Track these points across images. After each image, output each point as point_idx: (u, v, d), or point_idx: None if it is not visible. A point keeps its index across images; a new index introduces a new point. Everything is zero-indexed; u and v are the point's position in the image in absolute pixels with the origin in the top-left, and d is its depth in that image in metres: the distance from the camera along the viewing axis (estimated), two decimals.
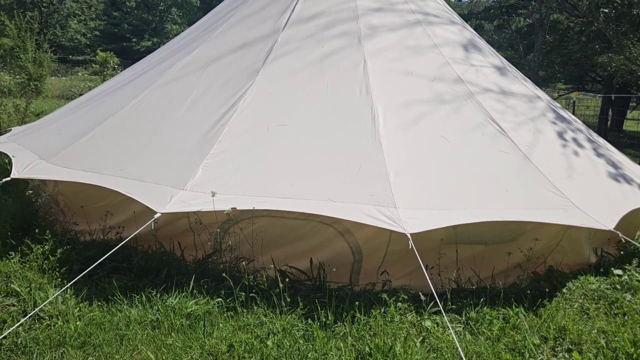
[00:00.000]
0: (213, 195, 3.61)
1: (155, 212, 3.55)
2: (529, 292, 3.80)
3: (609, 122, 18.15)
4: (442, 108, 4.67)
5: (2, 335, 2.95)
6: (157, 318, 3.31)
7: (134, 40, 44.72)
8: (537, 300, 3.80)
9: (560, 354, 3.21)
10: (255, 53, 5.07)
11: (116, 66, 24.85)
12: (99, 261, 3.25)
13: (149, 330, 3.20)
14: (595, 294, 4.06)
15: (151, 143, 4.46)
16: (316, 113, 4.47)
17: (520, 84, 5.62)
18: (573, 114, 12.48)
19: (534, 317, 3.64)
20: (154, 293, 3.54)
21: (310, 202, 3.75)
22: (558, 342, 3.39)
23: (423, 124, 4.48)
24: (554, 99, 19.57)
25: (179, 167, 4.08)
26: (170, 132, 4.51)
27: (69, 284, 3.28)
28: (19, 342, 3.02)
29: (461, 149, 4.38)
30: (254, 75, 4.79)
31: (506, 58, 6.47)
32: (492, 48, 6.23)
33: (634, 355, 3.18)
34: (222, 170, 4.00)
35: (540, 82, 18.96)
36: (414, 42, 5.24)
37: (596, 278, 4.30)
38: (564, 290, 4.06)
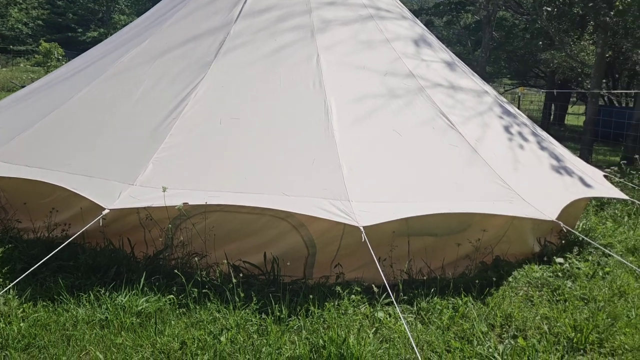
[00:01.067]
0: (164, 191, 3.54)
1: (104, 209, 3.45)
2: (477, 281, 3.93)
3: (551, 117, 18.92)
4: (394, 102, 4.74)
5: None
6: (106, 317, 3.22)
7: (80, 30, 42.99)
8: (484, 289, 3.93)
9: (507, 341, 3.34)
10: (206, 46, 4.98)
11: (60, 57, 23.83)
12: (43, 260, 3.13)
13: (97, 330, 3.11)
14: (539, 281, 4.24)
15: (99, 137, 4.31)
16: (269, 107, 4.45)
17: (469, 79, 5.77)
18: (518, 108, 12.92)
19: (482, 305, 3.77)
20: (103, 291, 3.44)
21: (264, 196, 3.73)
22: (504, 329, 3.52)
23: (375, 118, 4.53)
24: (501, 93, 20.24)
25: (128, 161, 3.97)
26: (120, 126, 4.38)
27: (11, 285, 3.15)
28: None
29: (412, 143, 4.46)
30: (205, 68, 4.71)
31: (455, 54, 6.62)
32: (441, 43, 6.35)
33: (575, 339, 3.34)
34: (173, 164, 3.93)
35: (487, 78, 19.53)
36: (367, 36, 5.28)
37: (540, 267, 4.48)
38: (510, 279, 4.21)
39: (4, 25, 36.87)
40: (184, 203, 3.54)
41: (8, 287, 3.21)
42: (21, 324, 3.08)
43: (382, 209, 3.73)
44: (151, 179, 3.77)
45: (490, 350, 3.19)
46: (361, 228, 3.42)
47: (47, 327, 3.09)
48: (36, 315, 3.19)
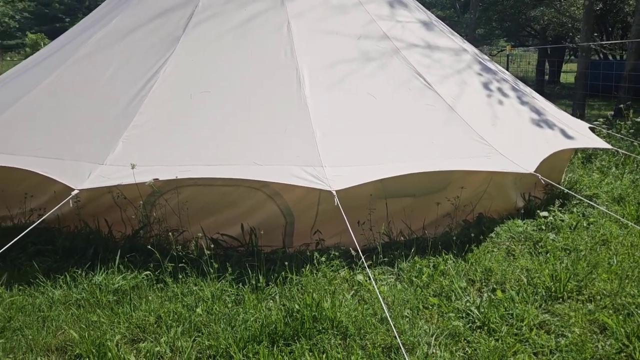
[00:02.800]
0: (133, 168, 3.50)
1: (73, 190, 3.42)
2: (455, 238, 3.91)
3: (546, 75, 18.69)
4: (368, 65, 4.66)
5: None
6: (83, 297, 3.22)
7: (67, 20, 42.46)
8: (465, 246, 3.91)
9: (485, 294, 3.33)
10: (175, 20, 4.88)
11: None
12: (12, 242, 3.11)
13: (73, 310, 3.11)
14: (522, 235, 4.22)
15: (69, 120, 4.26)
16: (240, 78, 4.38)
17: (447, 38, 5.66)
18: (507, 68, 12.76)
19: (462, 262, 3.75)
20: (80, 272, 3.44)
21: (237, 168, 3.70)
22: (484, 284, 3.51)
23: (349, 82, 4.46)
24: (493, 55, 19.99)
25: (98, 142, 3.93)
26: (89, 108, 4.32)
27: None
28: None
29: (388, 105, 4.40)
30: (174, 43, 4.62)
31: (445, 17, 6.50)
32: (419, 4, 6.22)
33: (553, 288, 3.33)
34: (143, 142, 3.88)
35: (479, 40, 19.27)
36: (338, 1, 5.17)
37: (524, 221, 4.46)
38: (492, 235, 4.20)
39: None
40: (154, 179, 3.50)
41: None
42: None
43: (355, 172, 3.69)
44: (121, 158, 3.73)
45: (468, 304, 3.19)
46: (334, 192, 3.39)
47: (22, 310, 3.10)
48: (12, 299, 3.20)
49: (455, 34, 6.17)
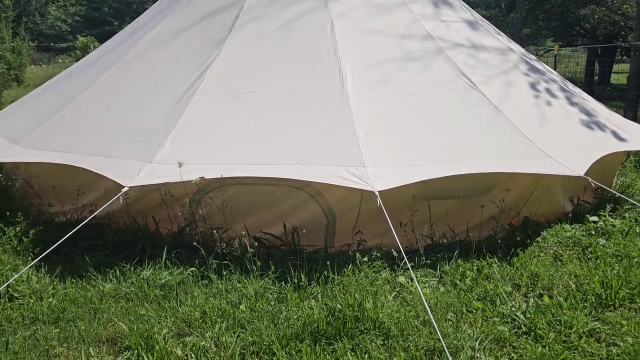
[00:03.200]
0: (180, 166, 3.59)
1: (123, 187, 3.53)
2: (500, 241, 3.83)
3: (596, 76, 18.05)
4: (412, 65, 4.63)
5: None
6: (131, 291, 3.32)
7: (116, 23, 43.81)
8: (510, 250, 3.83)
9: (531, 300, 3.25)
10: (221, 22, 4.98)
11: None
12: (66, 237, 3.25)
13: (122, 303, 3.22)
14: (570, 240, 4.10)
15: (119, 119, 4.41)
16: (284, 78, 4.43)
17: (493, 38, 5.55)
18: (555, 68, 12.38)
19: (507, 266, 3.67)
20: (128, 267, 3.55)
21: (279, 167, 3.74)
22: (530, 289, 3.43)
23: (392, 82, 4.44)
24: (540, 56, 19.43)
25: (147, 140, 4.04)
26: (139, 107, 4.46)
27: (36, 259, 3.29)
28: None
29: (431, 105, 4.35)
30: (220, 44, 4.71)
31: (490, 17, 6.39)
32: (464, 3, 6.13)
33: (603, 295, 3.22)
34: (190, 140, 3.97)
35: (524, 40, 18.80)
36: (382, 0, 5.15)
37: (572, 226, 4.33)
38: (539, 239, 4.09)
39: (44, 23, 38.06)
40: (200, 177, 3.58)
41: (33, 262, 3.35)
42: (51, 300, 3.22)
43: (398, 173, 3.67)
44: (169, 156, 3.83)
45: (514, 309, 3.12)
46: (376, 193, 3.38)
47: (75, 302, 3.22)
48: (65, 291, 3.33)
49: (501, 33, 6.05)
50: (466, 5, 6.04)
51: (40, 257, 3.14)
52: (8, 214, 4.09)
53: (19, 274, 3.23)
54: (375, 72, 4.47)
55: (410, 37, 4.88)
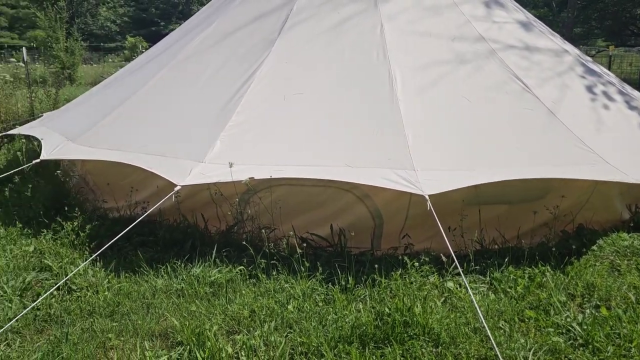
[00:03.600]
0: (230, 166, 3.64)
1: (176, 185, 3.61)
2: (554, 249, 3.71)
3: None
4: (463, 68, 4.55)
5: (33, 305, 3.09)
6: (182, 287, 3.39)
7: (162, 24, 45.11)
8: (564, 258, 3.71)
9: (588, 311, 3.14)
10: (271, 23, 5.03)
11: (145, 50, 25.17)
12: (122, 233, 3.35)
13: (174, 299, 3.29)
14: (628, 250, 3.93)
15: (171, 119, 4.52)
16: (333, 80, 4.43)
17: (547, 39, 5.40)
18: (609, 69, 11.93)
19: (561, 275, 3.56)
20: (179, 263, 3.63)
21: (328, 169, 3.74)
22: (585, 299, 3.31)
23: (443, 85, 4.38)
24: (592, 56, 18.77)
25: (198, 140, 4.12)
26: (190, 107, 4.56)
27: (95, 254, 3.40)
28: (52, 312, 3.16)
29: (483, 109, 4.27)
30: (270, 46, 4.76)
31: (539, 16, 6.22)
32: (517, 4, 5.98)
33: None
34: (240, 141, 4.03)
35: (576, 40, 18.20)
36: (432, 2, 5.09)
37: (629, 235, 4.16)
38: (594, 247, 3.94)
39: (94, 24, 39.45)
40: (250, 177, 3.62)
41: (92, 257, 3.48)
42: (106, 293, 3.33)
43: (448, 177, 3.61)
44: (219, 156, 3.89)
45: (569, 319, 3.02)
46: (426, 197, 3.34)
47: (129, 296, 3.32)
48: (120, 285, 3.44)
49: (556, 34, 5.87)
50: (519, 6, 5.89)
51: (99, 252, 3.24)
52: (66, 209, 4.25)
53: (78, 267, 3.35)
54: (425, 74, 4.42)
55: (461, 38, 4.80)
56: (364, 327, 2.89)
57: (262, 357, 2.74)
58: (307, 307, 3.15)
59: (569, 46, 5.67)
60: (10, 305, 3.25)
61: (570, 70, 5.01)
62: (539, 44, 5.20)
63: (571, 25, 13.61)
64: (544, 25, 5.93)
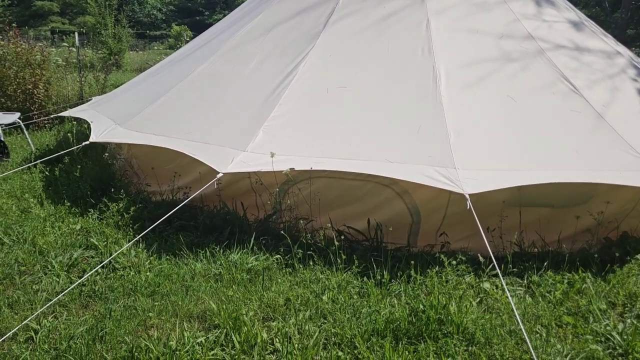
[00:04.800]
0: (272, 156, 3.70)
1: (218, 172, 3.69)
2: (596, 256, 3.63)
3: None
4: (509, 66, 4.47)
5: (79, 281, 3.23)
6: (220, 272, 3.48)
7: (207, 13, 45.76)
8: (606, 266, 3.62)
9: (629, 320, 3.06)
10: (316, 17, 5.06)
11: (189, 39, 25.61)
12: (165, 217, 3.45)
13: (212, 283, 3.38)
14: None
15: (215, 107, 4.61)
16: (376, 74, 4.43)
17: (599, 40, 5.24)
18: None
19: (602, 282, 3.48)
20: (218, 249, 3.71)
21: (368, 163, 3.75)
22: (627, 308, 3.23)
23: (488, 83, 4.32)
24: None
25: (241, 129, 4.20)
26: (234, 97, 4.64)
27: (139, 236, 3.51)
28: (96, 289, 3.29)
29: (528, 109, 4.19)
30: (314, 39, 4.79)
31: (590, 16, 6.04)
32: (568, 3, 5.82)
33: None
34: (282, 132, 4.08)
35: (628, 42, 17.53)
36: None
37: None
38: (638, 256, 3.83)
39: (141, 12, 40.35)
40: (290, 168, 3.67)
41: (136, 238, 3.60)
42: (148, 274, 3.44)
43: (490, 177, 3.57)
44: (261, 146, 3.95)
45: (609, 328, 2.95)
46: (466, 196, 3.31)
47: (169, 278, 3.42)
48: (160, 266, 3.54)
49: (608, 35, 5.70)
50: (571, 5, 5.74)
51: (143, 234, 3.35)
52: (112, 190, 4.40)
53: (122, 248, 3.48)
54: (470, 72, 4.36)
55: (509, 36, 4.71)
56: (398, 322, 2.90)
57: (296, 345, 2.78)
58: (341, 299, 3.18)
59: (621, 48, 5.49)
60: (57, 279, 3.40)
61: (622, 73, 4.85)
62: (589, 44, 5.06)
63: (624, 27, 13.11)
64: (596, 25, 5.75)
